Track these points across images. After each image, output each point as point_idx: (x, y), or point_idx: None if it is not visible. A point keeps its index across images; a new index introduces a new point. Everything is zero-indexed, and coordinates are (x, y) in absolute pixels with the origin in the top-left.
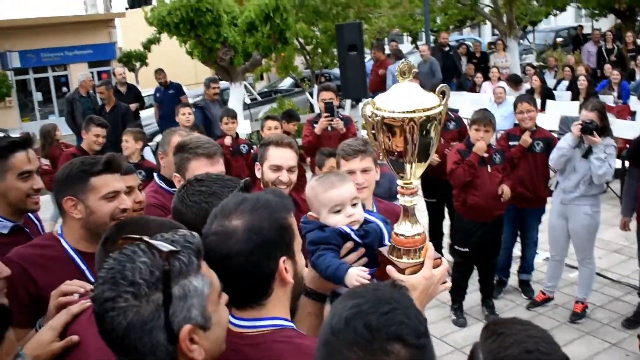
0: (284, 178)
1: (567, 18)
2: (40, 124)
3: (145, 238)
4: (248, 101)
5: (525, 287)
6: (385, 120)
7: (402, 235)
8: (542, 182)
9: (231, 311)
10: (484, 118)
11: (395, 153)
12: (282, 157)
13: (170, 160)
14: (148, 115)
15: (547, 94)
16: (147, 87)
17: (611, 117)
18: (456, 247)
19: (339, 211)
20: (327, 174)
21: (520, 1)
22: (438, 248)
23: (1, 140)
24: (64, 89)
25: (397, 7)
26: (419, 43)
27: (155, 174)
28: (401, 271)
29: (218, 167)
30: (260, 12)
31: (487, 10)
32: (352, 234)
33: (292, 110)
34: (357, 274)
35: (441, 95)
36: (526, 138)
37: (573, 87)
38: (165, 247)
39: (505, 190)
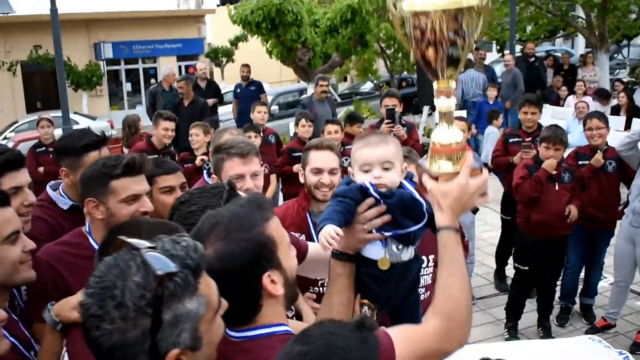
0: (325, 180)
1: None
2: (128, 113)
3: (143, 249)
4: None
5: (586, 311)
6: (417, 11)
7: (438, 142)
8: (615, 203)
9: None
10: (555, 136)
11: (427, 51)
12: (322, 159)
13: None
14: (227, 111)
15: (635, 112)
16: (232, 83)
17: None
18: (516, 264)
19: (367, 171)
20: (372, 133)
21: (614, 14)
22: (505, 264)
23: (78, 139)
24: (152, 80)
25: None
26: (505, 52)
27: (204, 171)
28: (435, 179)
29: (252, 167)
30: (342, 14)
31: (579, 21)
32: (371, 189)
33: (355, 112)
34: (326, 233)
35: None
36: (598, 157)
37: None
38: (162, 267)
39: (573, 210)
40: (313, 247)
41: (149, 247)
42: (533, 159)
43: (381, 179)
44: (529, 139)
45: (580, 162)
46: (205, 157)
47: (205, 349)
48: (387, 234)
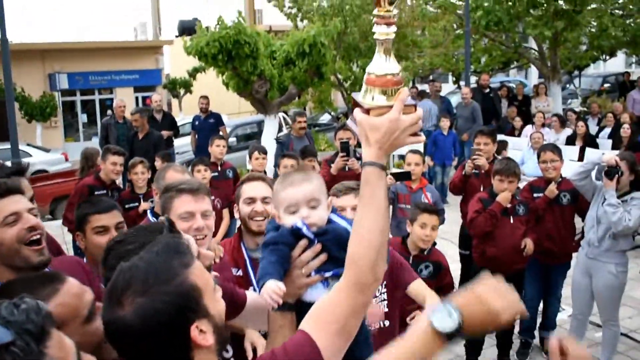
0: (258, 208)
1: (617, 64)
2: (83, 145)
3: None
4: (285, 131)
5: (546, 345)
6: None
7: (373, 73)
8: (569, 235)
9: None
10: (508, 169)
11: None
12: (254, 189)
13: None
14: (184, 144)
15: (589, 141)
16: (190, 114)
17: None
18: None
19: (294, 212)
20: (294, 171)
21: (565, 46)
22: None
23: None
24: (109, 111)
25: (439, 47)
26: (461, 83)
27: (148, 211)
28: (367, 112)
29: (203, 205)
30: (298, 47)
31: (531, 53)
32: (304, 229)
33: (308, 146)
34: (269, 290)
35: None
36: (552, 189)
37: (615, 135)
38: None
39: (529, 244)
40: (251, 298)
41: None
42: (487, 192)
43: (310, 218)
44: (483, 171)
45: (535, 195)
46: (148, 204)
47: None
48: (327, 274)
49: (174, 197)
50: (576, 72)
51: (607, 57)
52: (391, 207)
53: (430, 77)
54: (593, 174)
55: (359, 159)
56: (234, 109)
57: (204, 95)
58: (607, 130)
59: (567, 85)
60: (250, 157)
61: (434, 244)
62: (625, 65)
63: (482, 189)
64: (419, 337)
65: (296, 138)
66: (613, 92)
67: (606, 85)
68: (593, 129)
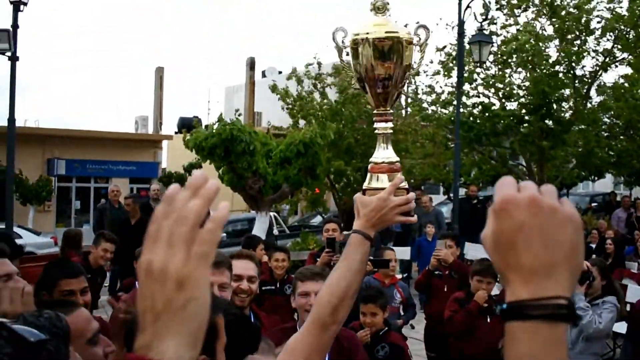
0: (243, 286)
1: (605, 184)
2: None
3: (7, 323)
4: (276, 232)
5: None
6: (355, 39)
7: (374, 162)
8: None
9: None
10: (487, 269)
11: (375, 78)
12: (241, 267)
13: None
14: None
15: None
16: None
17: (632, 283)
18: None
19: None
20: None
21: (552, 163)
22: None
23: None
24: (103, 200)
25: (430, 157)
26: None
27: None
28: (363, 193)
29: (223, 278)
30: (294, 146)
31: (520, 168)
32: None
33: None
34: None
35: (423, 31)
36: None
37: (600, 251)
38: (33, 336)
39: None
40: None
41: (13, 322)
42: (465, 292)
43: None
44: (447, 272)
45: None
46: None
47: None
48: None
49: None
50: (564, 190)
51: (595, 178)
52: None
53: (422, 188)
54: None
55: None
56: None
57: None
58: (592, 247)
59: None
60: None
61: (389, 327)
62: (613, 186)
63: (445, 290)
64: None
65: None
66: (600, 211)
67: (594, 204)
68: None
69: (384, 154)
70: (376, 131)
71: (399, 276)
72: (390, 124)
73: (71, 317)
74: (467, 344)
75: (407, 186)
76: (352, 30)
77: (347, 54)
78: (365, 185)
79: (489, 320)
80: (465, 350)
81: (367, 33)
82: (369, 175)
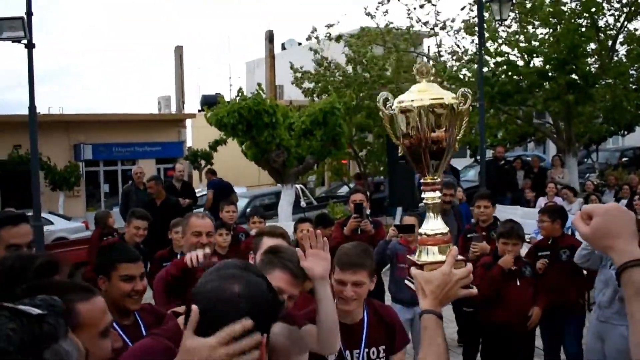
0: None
1: (635, 138)
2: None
3: (6, 304)
4: (304, 205)
5: None
6: (403, 108)
7: (425, 234)
8: (573, 288)
9: None
10: (512, 231)
11: (416, 145)
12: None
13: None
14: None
15: None
16: None
17: None
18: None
19: None
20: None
21: (580, 119)
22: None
23: None
24: (130, 182)
25: None
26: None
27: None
28: (421, 268)
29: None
30: (315, 117)
31: (547, 127)
32: None
33: (325, 214)
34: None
35: (463, 99)
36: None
37: (630, 207)
38: (33, 310)
39: (535, 312)
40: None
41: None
42: (491, 255)
43: None
44: (484, 233)
45: (539, 254)
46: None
47: None
48: None
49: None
50: (594, 147)
51: (625, 132)
52: (390, 266)
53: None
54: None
55: (372, 221)
56: (254, 181)
57: (209, 169)
58: (624, 202)
59: (585, 160)
60: (248, 221)
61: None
62: None
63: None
64: None
65: None
66: (631, 166)
67: (624, 159)
68: (610, 201)
69: (434, 224)
70: (425, 201)
71: None
72: (439, 194)
73: (88, 304)
74: (496, 310)
75: (463, 258)
76: (398, 98)
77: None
78: (417, 258)
79: (518, 283)
80: (495, 316)
81: (413, 100)
82: (420, 248)
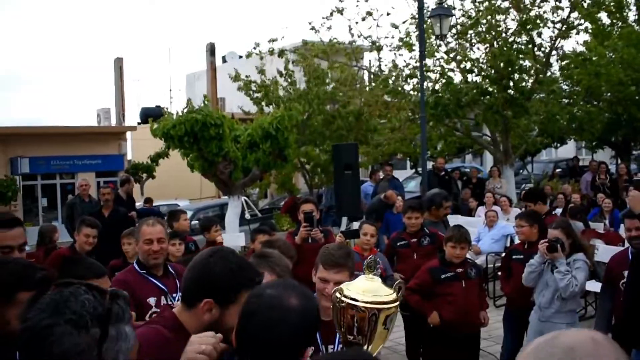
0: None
1: (568, 150)
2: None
3: (85, 282)
4: (248, 216)
5: None
6: (349, 306)
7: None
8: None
9: None
10: (460, 235)
11: (352, 336)
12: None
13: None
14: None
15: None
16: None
17: (601, 244)
18: None
19: None
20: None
21: (515, 131)
22: None
23: None
24: (70, 196)
25: (397, 131)
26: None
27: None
28: None
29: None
30: (262, 130)
31: (485, 139)
32: None
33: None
34: None
35: (397, 290)
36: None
37: (565, 215)
38: (110, 289)
39: (483, 316)
40: None
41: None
42: (438, 259)
43: None
44: (414, 240)
45: (514, 257)
46: None
47: None
48: None
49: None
50: (529, 158)
51: (558, 145)
52: None
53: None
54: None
55: (322, 230)
56: (196, 194)
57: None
58: (559, 211)
59: (521, 171)
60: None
61: None
62: (575, 152)
63: (414, 257)
64: None
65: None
66: (565, 177)
67: (558, 170)
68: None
69: None
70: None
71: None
72: None
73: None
74: (440, 311)
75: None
76: (348, 293)
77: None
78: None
79: (463, 284)
80: (443, 314)
81: (358, 301)
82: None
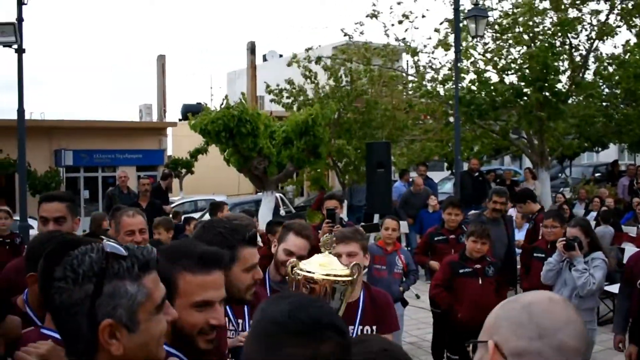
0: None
1: (610, 154)
2: (84, 220)
3: (106, 240)
4: (283, 213)
5: None
6: (305, 279)
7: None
8: None
9: None
10: (482, 231)
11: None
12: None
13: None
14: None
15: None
16: (191, 194)
17: (631, 246)
18: (448, 354)
19: None
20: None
21: (551, 134)
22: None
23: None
24: (111, 189)
25: (430, 132)
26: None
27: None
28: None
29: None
30: (297, 127)
31: (521, 141)
32: None
33: (298, 216)
34: None
35: (356, 269)
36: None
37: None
38: (112, 250)
39: None
40: None
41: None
42: (459, 254)
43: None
44: (452, 236)
45: (535, 254)
46: None
47: (142, 336)
48: None
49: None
50: (568, 162)
51: (599, 149)
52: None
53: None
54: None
55: (345, 225)
56: (234, 190)
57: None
58: (594, 214)
59: (560, 175)
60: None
61: None
62: (617, 156)
63: (452, 253)
64: None
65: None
66: (603, 181)
67: (597, 174)
68: (581, 213)
69: None
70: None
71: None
72: None
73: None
74: (463, 307)
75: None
76: (303, 267)
77: None
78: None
79: (480, 282)
80: (461, 311)
81: (314, 273)
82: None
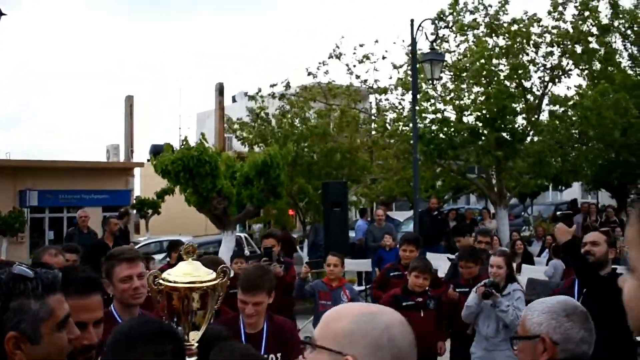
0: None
1: (573, 193)
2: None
3: (17, 263)
4: (247, 253)
5: None
6: (168, 289)
7: None
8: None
9: None
10: (424, 266)
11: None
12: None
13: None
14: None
15: (527, 258)
16: (157, 234)
17: None
18: None
19: None
20: None
21: (508, 173)
22: None
23: None
24: (71, 228)
25: (390, 172)
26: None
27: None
28: None
29: (138, 270)
30: (255, 167)
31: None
32: None
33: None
34: None
35: (222, 274)
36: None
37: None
38: (20, 272)
39: (439, 346)
40: None
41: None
42: (402, 288)
43: None
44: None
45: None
46: None
47: (45, 348)
48: None
49: (115, 265)
50: (528, 201)
51: (563, 188)
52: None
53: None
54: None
55: (282, 263)
56: (201, 230)
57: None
58: (546, 252)
59: (522, 214)
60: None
61: None
62: (581, 194)
63: None
64: None
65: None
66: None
67: (558, 212)
68: (536, 251)
69: None
70: None
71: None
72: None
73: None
74: None
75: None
76: (166, 276)
77: None
78: None
79: (422, 314)
80: None
81: (176, 283)
82: None
